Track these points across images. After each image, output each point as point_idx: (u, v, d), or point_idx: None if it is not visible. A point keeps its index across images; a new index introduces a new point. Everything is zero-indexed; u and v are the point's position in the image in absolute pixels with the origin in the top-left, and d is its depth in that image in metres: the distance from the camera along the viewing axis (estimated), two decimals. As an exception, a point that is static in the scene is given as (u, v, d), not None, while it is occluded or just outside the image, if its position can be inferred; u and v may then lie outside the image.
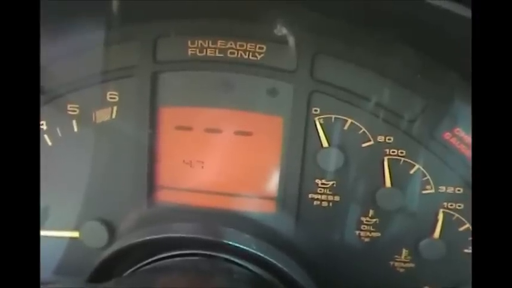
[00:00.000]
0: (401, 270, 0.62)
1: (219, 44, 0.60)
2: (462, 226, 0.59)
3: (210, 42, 0.60)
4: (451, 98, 0.56)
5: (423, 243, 0.60)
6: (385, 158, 0.59)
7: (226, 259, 0.56)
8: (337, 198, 0.61)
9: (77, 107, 0.62)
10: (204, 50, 0.61)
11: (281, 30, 0.58)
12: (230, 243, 0.56)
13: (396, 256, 0.62)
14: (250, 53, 0.60)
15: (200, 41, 0.60)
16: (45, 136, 0.64)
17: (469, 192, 0.58)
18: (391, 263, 0.62)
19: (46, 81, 0.61)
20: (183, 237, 0.57)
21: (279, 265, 0.55)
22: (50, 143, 0.64)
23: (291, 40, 0.58)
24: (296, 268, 0.57)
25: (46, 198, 0.64)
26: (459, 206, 0.59)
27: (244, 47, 0.60)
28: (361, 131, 0.59)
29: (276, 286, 0.56)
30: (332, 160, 0.60)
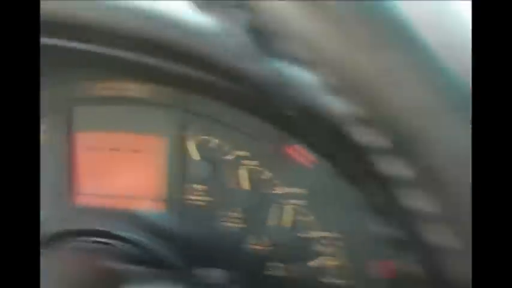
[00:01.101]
0: (256, 250, 0.75)
1: (117, 84, 0.75)
2: (304, 217, 0.72)
3: (111, 84, 0.75)
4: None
5: (274, 230, 0.74)
6: (243, 167, 0.74)
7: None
8: (210, 199, 0.75)
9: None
10: (107, 90, 0.75)
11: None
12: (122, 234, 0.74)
13: (253, 240, 0.75)
14: (140, 91, 0.75)
15: (104, 83, 0.76)
16: None
17: (308, 191, 0.72)
18: (247, 246, 0.75)
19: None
20: (92, 230, 0.75)
21: (161, 251, 0.73)
22: None
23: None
24: (164, 246, 0.74)
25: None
26: (302, 202, 0.72)
27: (135, 87, 0.76)
28: (225, 147, 0.74)
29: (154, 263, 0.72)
30: (203, 170, 0.74)
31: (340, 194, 0.65)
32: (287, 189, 0.72)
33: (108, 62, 0.64)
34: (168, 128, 0.75)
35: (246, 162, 0.73)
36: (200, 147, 0.74)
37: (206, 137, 0.74)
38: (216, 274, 0.74)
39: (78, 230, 0.74)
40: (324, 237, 0.67)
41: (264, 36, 0.40)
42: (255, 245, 0.75)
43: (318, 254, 0.68)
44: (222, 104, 0.68)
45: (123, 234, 0.73)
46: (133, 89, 0.76)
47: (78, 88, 0.76)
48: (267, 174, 0.73)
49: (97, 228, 0.75)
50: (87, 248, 0.73)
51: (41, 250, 0.45)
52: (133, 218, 0.77)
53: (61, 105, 0.77)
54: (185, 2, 0.47)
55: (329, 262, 0.66)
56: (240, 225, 0.75)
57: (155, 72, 0.57)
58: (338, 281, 0.65)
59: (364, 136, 0.37)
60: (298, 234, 0.71)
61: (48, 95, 0.76)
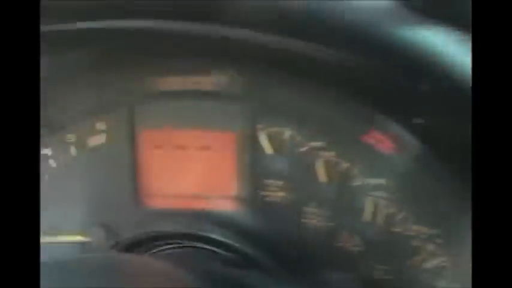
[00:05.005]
0: (351, 250, 0.71)
1: (182, 78, 0.73)
2: (389, 209, 0.68)
3: (176, 78, 0.73)
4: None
5: (360, 225, 0.70)
6: (319, 159, 0.70)
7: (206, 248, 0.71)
8: (285, 194, 0.72)
9: (73, 136, 0.78)
10: (172, 85, 0.74)
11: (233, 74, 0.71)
12: (205, 234, 0.71)
13: (342, 238, 0.71)
14: (207, 84, 0.73)
15: (168, 78, 0.74)
16: (51, 160, 0.79)
17: (390, 182, 0.67)
18: (338, 244, 0.71)
19: (50, 116, 0.77)
20: (170, 232, 0.73)
21: (245, 250, 0.70)
22: (54, 165, 0.79)
23: (239, 78, 0.71)
24: (257, 251, 0.71)
25: (54, 212, 0.78)
26: (384, 193, 0.68)
27: (202, 79, 0.73)
28: (298, 139, 0.70)
29: (245, 267, 0.70)
30: (277, 164, 0.72)
31: (430, 183, 0.60)
32: (368, 181, 0.68)
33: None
34: (237, 122, 0.72)
35: (321, 152, 0.69)
36: (273, 139, 0.71)
37: (279, 128, 0.71)
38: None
39: (154, 235, 0.74)
40: (421, 233, 0.60)
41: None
42: (344, 242, 0.71)
43: (416, 253, 0.61)
44: (299, 91, 0.67)
45: (206, 235, 0.72)
46: (199, 82, 0.73)
47: (140, 84, 0.74)
48: (345, 165, 0.69)
49: (172, 230, 0.74)
50: (171, 253, 0.73)
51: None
52: (207, 218, 0.75)
53: (123, 103, 0.75)
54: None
55: (430, 261, 0.60)
56: (323, 222, 0.71)
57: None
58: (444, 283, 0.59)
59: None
60: (392, 230, 0.66)
61: (108, 92, 0.76)
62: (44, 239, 0.75)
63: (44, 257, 0.71)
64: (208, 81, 0.73)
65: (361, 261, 0.71)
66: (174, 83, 0.74)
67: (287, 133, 0.71)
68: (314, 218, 0.72)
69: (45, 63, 0.68)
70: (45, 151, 0.79)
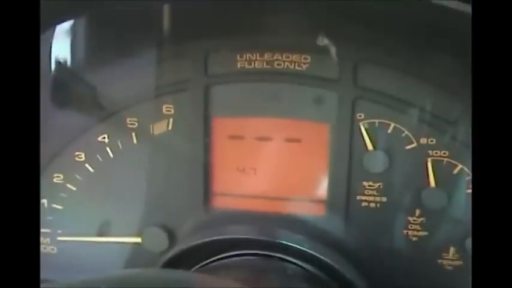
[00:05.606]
0: (450, 268, 0.63)
1: (266, 56, 0.63)
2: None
3: (258, 55, 0.63)
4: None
5: (470, 240, 0.61)
6: (429, 159, 0.61)
7: (281, 258, 0.59)
8: (384, 199, 0.63)
9: (135, 121, 0.66)
10: (252, 63, 0.63)
11: (323, 40, 0.60)
12: (285, 243, 0.59)
13: (444, 254, 0.62)
14: (296, 64, 0.62)
15: (248, 54, 0.63)
16: (107, 148, 0.67)
17: None
18: (439, 261, 0.63)
19: (106, 98, 0.66)
20: (240, 239, 0.61)
21: (332, 263, 0.58)
22: (111, 155, 0.67)
23: (334, 50, 0.60)
24: (348, 267, 0.59)
25: (109, 207, 0.68)
26: None
27: (290, 58, 0.62)
28: (404, 134, 0.61)
29: (328, 284, 0.59)
30: (378, 162, 0.62)
31: None
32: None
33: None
34: (330, 111, 0.62)
35: (431, 152, 0.61)
36: (373, 134, 0.61)
37: (381, 120, 0.61)
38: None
39: (221, 240, 0.62)
40: None
41: None
42: (447, 259, 0.62)
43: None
44: (410, 71, 0.59)
45: (284, 243, 0.60)
46: (285, 59, 0.63)
47: (216, 60, 0.64)
48: (459, 168, 0.60)
49: (243, 236, 0.62)
50: (239, 264, 0.61)
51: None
52: (287, 224, 0.64)
53: (195, 83, 0.64)
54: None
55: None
56: (427, 234, 0.62)
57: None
58: None
59: None
60: None
61: (178, 68, 0.65)
62: (92, 239, 0.70)
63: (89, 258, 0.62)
64: (296, 59, 0.63)
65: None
66: (256, 60, 0.64)
67: (391, 126, 0.61)
68: (417, 229, 0.63)
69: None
70: (100, 138, 0.68)
